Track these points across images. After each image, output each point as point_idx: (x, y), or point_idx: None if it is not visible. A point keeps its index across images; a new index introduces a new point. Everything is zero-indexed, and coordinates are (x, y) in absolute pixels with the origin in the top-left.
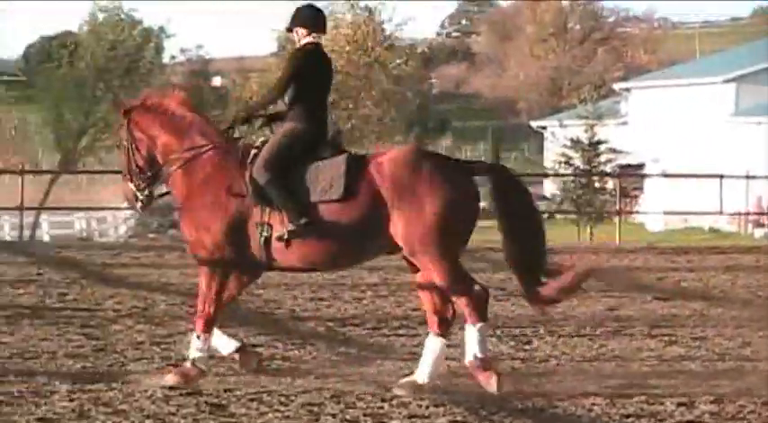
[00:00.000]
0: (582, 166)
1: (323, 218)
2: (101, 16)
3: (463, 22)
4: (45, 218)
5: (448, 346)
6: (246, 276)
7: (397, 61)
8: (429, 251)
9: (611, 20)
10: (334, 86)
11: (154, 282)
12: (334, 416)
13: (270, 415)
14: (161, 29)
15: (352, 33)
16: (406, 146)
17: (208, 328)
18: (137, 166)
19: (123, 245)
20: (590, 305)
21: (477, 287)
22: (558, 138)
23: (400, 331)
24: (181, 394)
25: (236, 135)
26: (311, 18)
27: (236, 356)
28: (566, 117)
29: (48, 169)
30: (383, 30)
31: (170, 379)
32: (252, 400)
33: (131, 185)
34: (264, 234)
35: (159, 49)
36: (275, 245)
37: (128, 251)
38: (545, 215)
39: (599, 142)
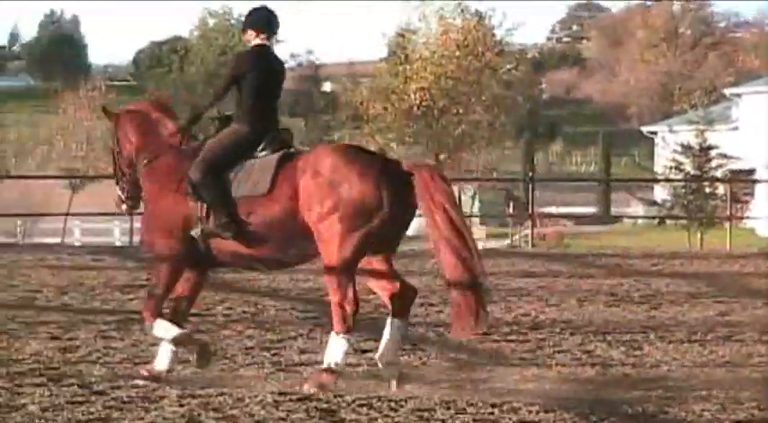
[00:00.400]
0: (692, 172)
1: (249, 215)
2: (211, 21)
3: (574, 27)
4: None
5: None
6: (196, 273)
7: (508, 66)
8: (329, 241)
9: (721, 25)
10: (444, 92)
11: (264, 287)
12: (443, 422)
13: (380, 421)
14: None
15: (462, 38)
16: (339, 144)
17: (155, 316)
18: (121, 170)
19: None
20: (701, 311)
21: (352, 297)
22: (669, 143)
23: (510, 337)
24: (291, 400)
25: (202, 137)
26: (261, 20)
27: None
28: (676, 122)
29: None
30: (494, 35)
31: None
32: (362, 405)
33: (118, 189)
34: (203, 232)
35: None
36: (214, 242)
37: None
38: (655, 221)
39: (710, 147)
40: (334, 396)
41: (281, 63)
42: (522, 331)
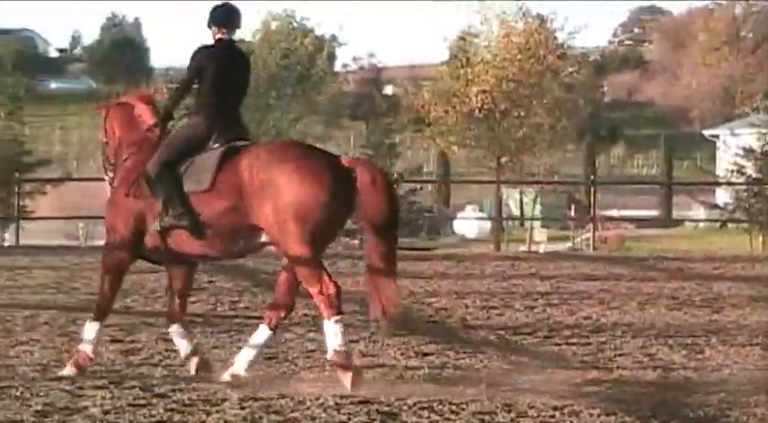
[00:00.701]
0: (754, 175)
1: (197, 208)
2: (273, 24)
3: (635, 30)
4: None
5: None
6: (185, 270)
7: (569, 69)
8: (286, 242)
9: None
10: (506, 95)
11: None
12: None
13: None
14: (333, 37)
15: (524, 41)
16: (282, 141)
17: (100, 317)
18: (108, 161)
19: None
20: (762, 314)
21: (328, 281)
22: (731, 146)
23: (572, 340)
24: (352, 403)
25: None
26: (222, 15)
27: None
28: (738, 125)
29: None
30: (555, 38)
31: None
32: (423, 408)
33: (107, 179)
34: (160, 225)
35: (331, 58)
36: (171, 238)
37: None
38: (717, 224)
39: None
40: (396, 399)
41: (243, 58)
42: (584, 334)
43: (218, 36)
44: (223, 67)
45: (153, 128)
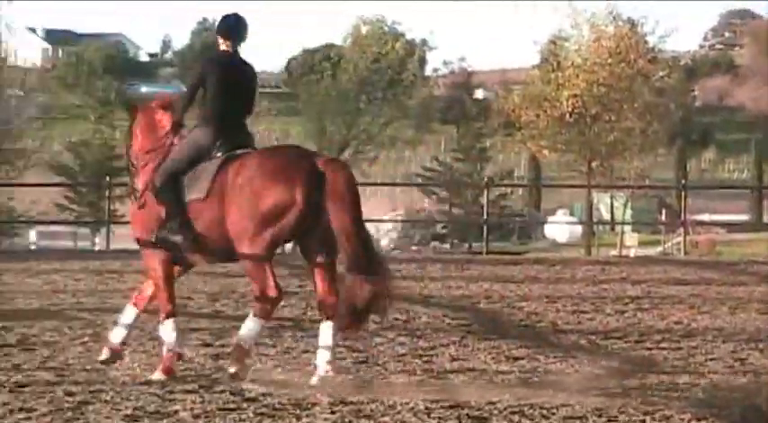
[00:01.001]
0: None
1: (194, 216)
2: (364, 28)
3: (726, 34)
4: None
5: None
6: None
7: (660, 73)
8: (241, 239)
9: None
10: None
11: (415, 294)
12: None
13: None
14: (424, 41)
15: (614, 46)
16: (271, 146)
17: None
18: (131, 163)
19: (385, 257)
20: None
21: (273, 285)
22: None
23: (663, 344)
24: (442, 407)
25: None
26: (229, 28)
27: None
28: None
29: None
30: (646, 42)
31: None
32: (513, 413)
33: (131, 181)
34: (155, 237)
35: (422, 62)
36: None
37: (390, 263)
38: None
39: None
40: (486, 403)
41: (248, 68)
42: (675, 339)
43: (223, 47)
44: (226, 78)
45: (166, 135)
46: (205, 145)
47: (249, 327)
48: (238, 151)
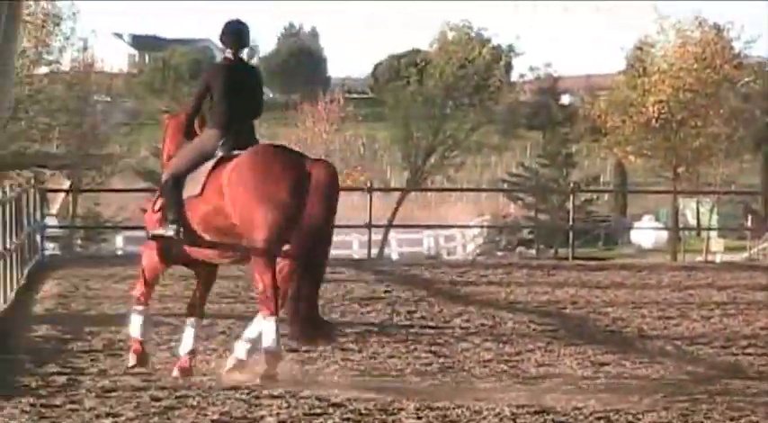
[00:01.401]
0: None
1: (189, 213)
2: (450, 34)
3: None
4: (393, 235)
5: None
6: (204, 270)
7: (746, 79)
8: (252, 236)
9: None
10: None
11: (501, 300)
12: None
13: None
14: (510, 47)
15: (700, 51)
16: (263, 145)
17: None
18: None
19: (471, 263)
20: None
21: (272, 278)
22: None
23: (749, 350)
24: (528, 413)
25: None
26: (231, 34)
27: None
28: None
29: (396, 187)
30: (732, 47)
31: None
32: (599, 418)
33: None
34: (152, 234)
35: (509, 67)
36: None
37: (475, 269)
38: None
39: None
40: (572, 409)
41: (252, 73)
42: (761, 344)
43: (227, 54)
44: (229, 83)
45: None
46: (210, 147)
47: (266, 330)
48: (234, 152)
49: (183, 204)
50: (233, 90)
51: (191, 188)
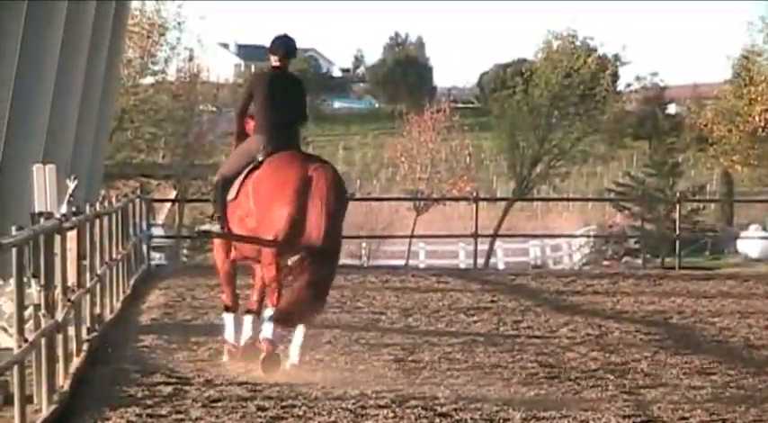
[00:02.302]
0: None
1: (229, 215)
2: (555, 43)
3: None
4: (500, 245)
5: None
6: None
7: None
8: (263, 234)
9: None
10: None
11: (608, 309)
12: None
13: None
14: (616, 56)
15: None
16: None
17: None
18: None
19: (577, 272)
20: None
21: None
22: None
23: None
24: (634, 422)
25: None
26: (277, 46)
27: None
28: None
29: (502, 196)
30: None
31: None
32: None
33: None
34: (198, 230)
35: (615, 77)
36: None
37: (582, 278)
38: None
39: None
40: (678, 419)
41: (295, 82)
42: None
43: (274, 64)
44: (272, 91)
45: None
46: (254, 151)
47: (266, 319)
48: (261, 156)
49: (226, 205)
50: (274, 97)
51: (231, 192)
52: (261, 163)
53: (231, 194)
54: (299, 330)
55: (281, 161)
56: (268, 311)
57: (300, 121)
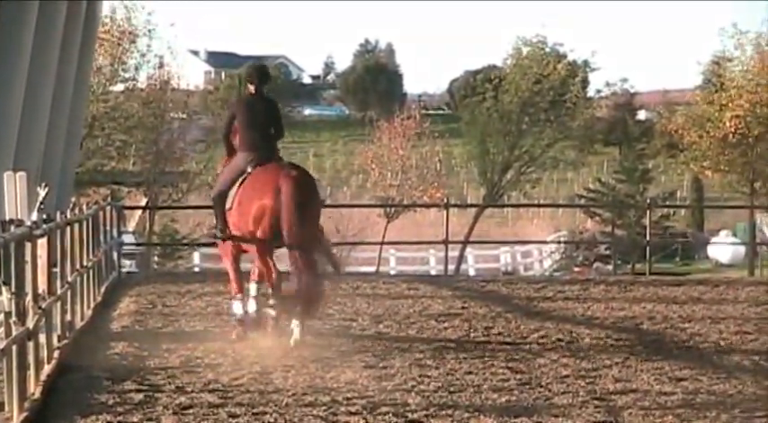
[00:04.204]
0: None
1: (229, 222)
2: (525, 49)
3: None
4: (470, 251)
5: None
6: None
7: None
8: (251, 233)
9: None
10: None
11: (579, 315)
12: None
13: None
14: (586, 62)
15: None
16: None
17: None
18: None
19: (548, 278)
20: None
21: (272, 266)
22: None
23: None
24: None
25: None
26: (252, 75)
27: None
28: None
29: (473, 203)
30: None
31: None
32: None
33: None
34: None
35: (585, 83)
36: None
37: (552, 285)
38: None
39: None
40: None
41: (270, 104)
42: None
43: (250, 89)
44: (250, 114)
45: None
46: (242, 166)
47: (272, 302)
48: (249, 168)
49: (226, 215)
50: (253, 120)
51: (228, 202)
52: (248, 175)
53: (228, 204)
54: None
55: (264, 169)
56: (270, 293)
57: (278, 137)
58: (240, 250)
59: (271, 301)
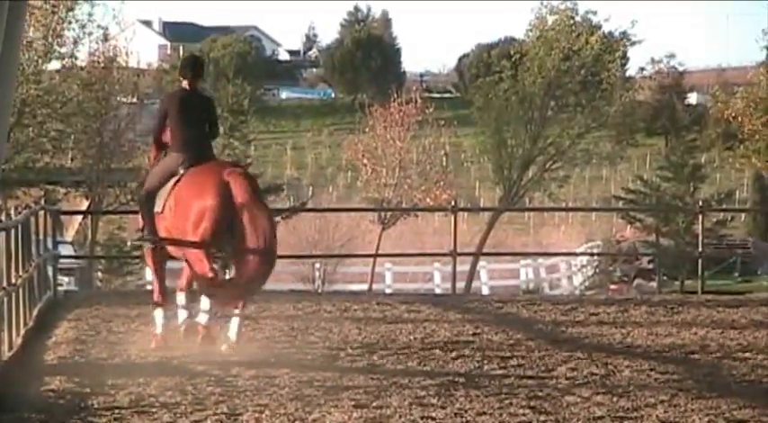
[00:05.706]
0: None
1: (158, 226)
2: (550, 19)
3: None
4: (483, 265)
5: None
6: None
7: None
8: (186, 236)
9: None
10: None
11: (616, 343)
12: None
13: None
14: (624, 34)
15: None
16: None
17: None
18: None
19: (579, 298)
20: None
21: (209, 268)
22: None
23: None
24: None
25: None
26: (186, 68)
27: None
28: None
29: (486, 206)
30: None
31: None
32: None
33: None
34: (132, 241)
35: (623, 60)
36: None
37: (584, 306)
38: None
39: None
40: None
41: (205, 99)
42: None
43: (183, 84)
44: (184, 110)
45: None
46: (172, 165)
47: (204, 308)
48: (181, 170)
49: (154, 217)
50: (187, 117)
51: (158, 204)
52: (182, 176)
53: (158, 207)
54: (235, 318)
55: (200, 169)
56: (204, 302)
57: (212, 136)
58: (167, 256)
59: (203, 307)
